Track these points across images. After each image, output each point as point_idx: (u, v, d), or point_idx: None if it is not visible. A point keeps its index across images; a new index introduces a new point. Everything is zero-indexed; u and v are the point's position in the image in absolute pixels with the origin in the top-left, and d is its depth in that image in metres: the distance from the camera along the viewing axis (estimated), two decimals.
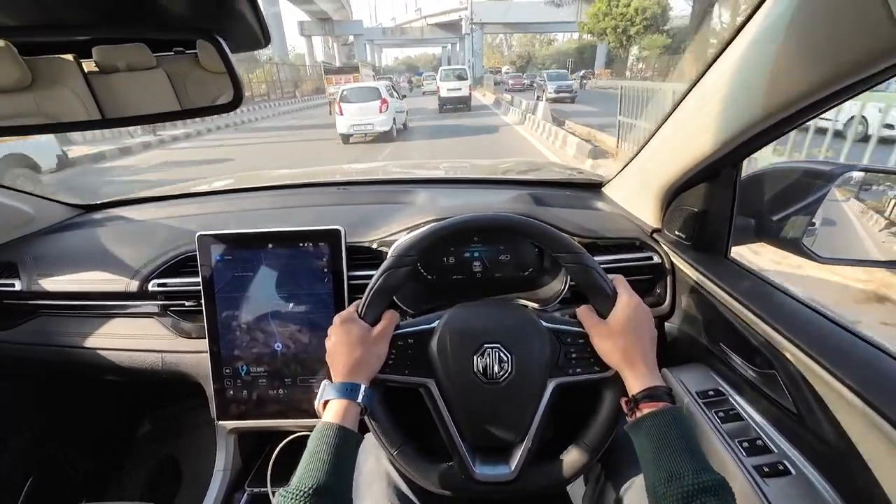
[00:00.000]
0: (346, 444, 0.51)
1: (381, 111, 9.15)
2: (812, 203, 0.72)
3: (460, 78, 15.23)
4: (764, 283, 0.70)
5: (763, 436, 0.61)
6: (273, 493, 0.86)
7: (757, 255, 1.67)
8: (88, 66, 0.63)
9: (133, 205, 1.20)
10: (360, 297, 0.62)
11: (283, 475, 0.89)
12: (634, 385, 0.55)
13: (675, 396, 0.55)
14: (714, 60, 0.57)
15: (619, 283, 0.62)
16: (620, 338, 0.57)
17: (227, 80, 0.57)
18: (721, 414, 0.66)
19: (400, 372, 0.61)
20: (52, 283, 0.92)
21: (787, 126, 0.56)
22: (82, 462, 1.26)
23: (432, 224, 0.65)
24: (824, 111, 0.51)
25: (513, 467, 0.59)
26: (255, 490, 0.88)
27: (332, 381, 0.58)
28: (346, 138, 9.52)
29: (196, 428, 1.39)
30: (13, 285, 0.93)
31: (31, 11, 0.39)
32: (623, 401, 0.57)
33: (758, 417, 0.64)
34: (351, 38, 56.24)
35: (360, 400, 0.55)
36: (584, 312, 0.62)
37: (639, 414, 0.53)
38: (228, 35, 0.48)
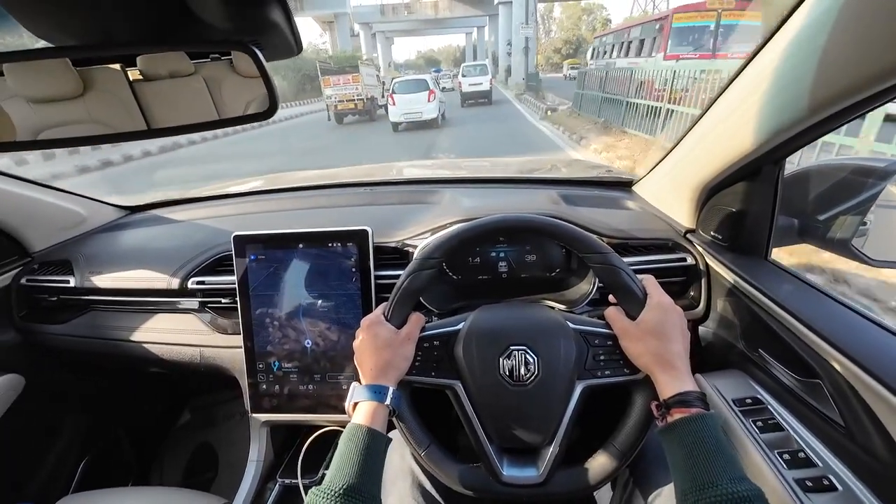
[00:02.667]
0: (375, 446, 0.53)
1: (429, 100, 10.35)
2: (863, 202, 0.67)
3: (482, 72, 16.30)
4: (808, 287, 0.66)
5: (806, 448, 0.58)
6: (303, 485, 0.89)
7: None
8: (133, 74, 0.67)
9: (174, 206, 1.26)
10: (387, 297, 0.63)
11: (312, 468, 0.93)
12: (666, 389, 0.53)
13: (710, 402, 0.53)
14: (757, 53, 0.55)
15: (650, 283, 0.60)
16: (651, 340, 0.55)
17: (259, 85, 0.59)
18: (759, 423, 0.63)
19: (426, 374, 0.62)
20: (102, 280, 0.99)
21: (835, 122, 0.53)
22: (129, 447, 1.34)
23: (457, 226, 0.65)
24: (874, 108, 0.48)
25: (540, 470, 0.58)
26: (287, 481, 0.92)
27: (360, 382, 0.60)
28: (395, 126, 10.67)
29: (230, 418, 1.46)
30: (68, 282, 1.00)
31: (83, 32, 0.42)
32: (654, 405, 0.55)
33: (800, 428, 0.61)
34: (357, 27, 44.62)
35: (388, 402, 0.56)
36: (612, 313, 0.61)
37: (670, 419, 0.52)
38: (264, 45, 0.49)
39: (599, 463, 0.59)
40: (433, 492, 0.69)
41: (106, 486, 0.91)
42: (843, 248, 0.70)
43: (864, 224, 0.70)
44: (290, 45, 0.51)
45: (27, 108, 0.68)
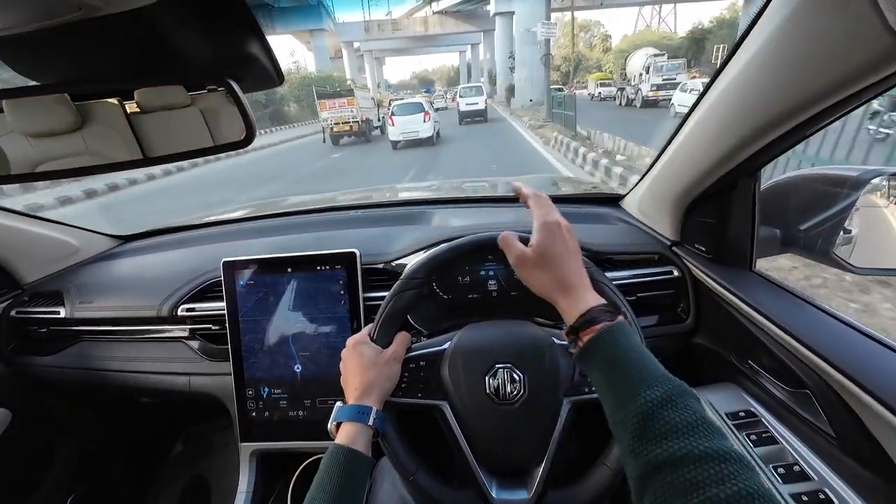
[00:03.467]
0: (356, 468, 0.52)
1: (424, 121, 11.58)
2: (840, 211, 0.68)
3: (478, 93, 17.73)
4: (792, 297, 0.66)
5: (801, 461, 0.57)
6: None
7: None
8: (131, 107, 0.69)
9: (166, 234, 1.27)
10: (370, 325, 0.64)
11: (302, 497, 0.90)
12: (570, 313, 0.49)
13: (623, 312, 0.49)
14: (724, 67, 0.57)
15: (535, 200, 0.55)
16: (547, 265, 0.51)
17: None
18: (753, 437, 0.63)
19: (413, 395, 0.61)
20: (92, 310, 0.99)
21: (798, 135, 0.54)
22: (121, 479, 1.31)
23: (441, 245, 0.66)
24: (833, 120, 0.50)
25: (531, 492, 0.57)
26: None
27: (345, 403, 0.59)
28: (395, 144, 11.80)
29: (224, 447, 1.42)
30: (58, 312, 1.00)
31: (67, 71, 0.44)
32: (564, 332, 0.51)
33: (794, 441, 0.60)
34: (341, 47, 42.75)
35: (371, 422, 0.55)
36: (507, 239, 0.55)
37: (581, 344, 0.47)
38: (244, 78, 0.51)
39: (592, 482, 0.58)
40: None
41: None
42: (825, 256, 0.70)
43: (849, 232, 0.71)
44: (272, 77, 0.53)
45: (25, 143, 0.70)
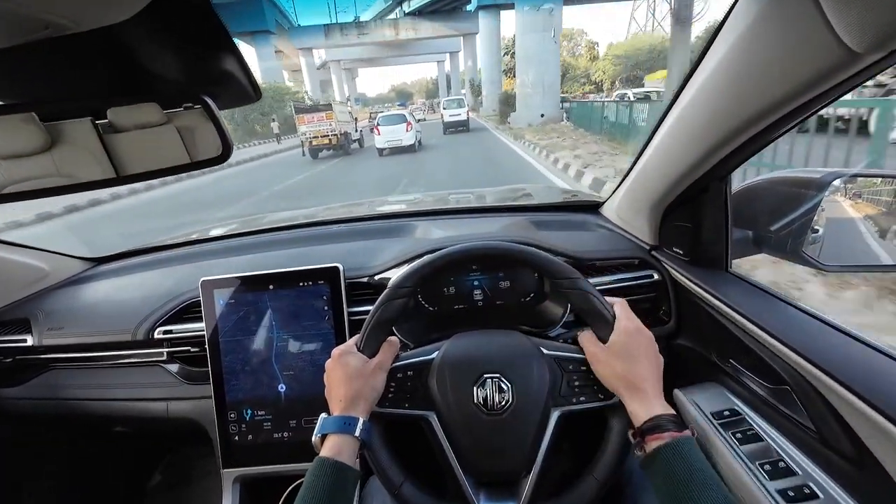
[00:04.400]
0: (342, 481, 0.50)
1: (406, 131, 12.81)
2: (807, 211, 0.71)
3: (460, 105, 18.99)
4: (767, 295, 0.69)
5: (785, 457, 0.58)
6: None
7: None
8: (103, 126, 0.67)
9: (141, 255, 1.23)
10: (357, 335, 0.63)
11: None
12: (638, 413, 0.53)
13: (686, 420, 0.53)
14: (689, 78, 0.59)
15: (620, 306, 0.61)
16: (619, 363, 0.55)
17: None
18: (739, 435, 0.63)
19: (399, 405, 0.60)
20: (62, 337, 0.94)
21: (764, 139, 0.57)
22: None
23: (428, 255, 0.66)
24: (794, 125, 0.52)
25: (520, 503, 0.57)
26: None
27: (329, 414, 0.58)
28: (380, 151, 12.98)
29: (206, 475, 1.37)
30: (25, 340, 0.95)
31: (38, 89, 0.43)
32: (630, 433, 0.54)
33: (777, 437, 0.61)
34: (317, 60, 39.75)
35: (357, 434, 0.54)
36: (584, 337, 0.61)
37: (647, 447, 0.51)
38: (220, 94, 0.51)
39: (580, 494, 0.57)
40: None
41: None
42: (796, 255, 0.73)
43: (816, 231, 0.74)
44: (248, 93, 0.53)
45: None
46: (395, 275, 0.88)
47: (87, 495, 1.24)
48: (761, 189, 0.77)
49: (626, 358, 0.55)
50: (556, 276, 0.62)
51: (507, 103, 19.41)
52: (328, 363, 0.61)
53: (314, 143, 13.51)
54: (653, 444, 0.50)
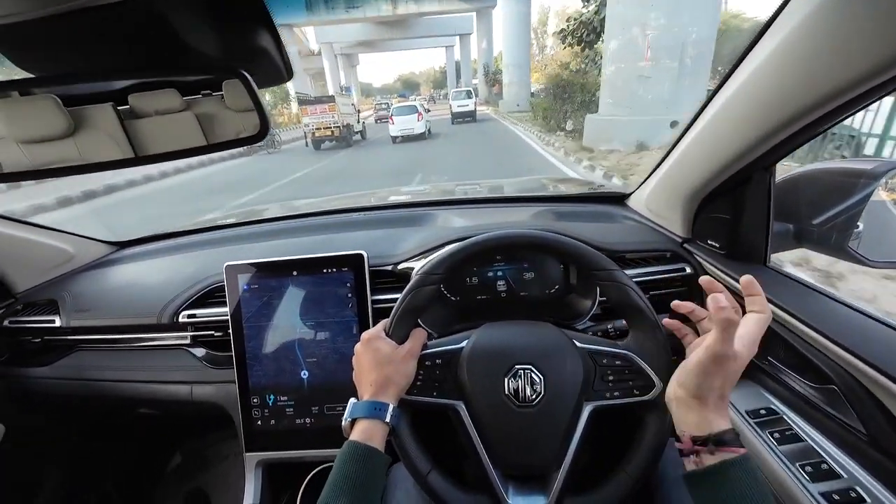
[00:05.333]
0: (373, 465, 0.50)
1: (418, 120, 14.08)
2: (856, 203, 0.68)
3: (468, 96, 19.68)
4: (810, 291, 0.66)
5: (828, 459, 0.56)
6: None
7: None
8: (124, 112, 0.67)
9: (163, 239, 1.24)
10: (385, 320, 0.62)
11: None
12: (699, 423, 0.46)
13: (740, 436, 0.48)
14: (742, 60, 0.56)
15: (722, 325, 0.50)
16: (699, 375, 0.47)
17: (251, 117, 0.60)
18: (777, 435, 0.61)
19: (428, 393, 0.59)
20: (88, 319, 0.96)
21: (820, 127, 0.54)
22: (117, 495, 1.26)
23: (460, 242, 0.64)
24: (856, 111, 0.49)
25: (548, 497, 0.55)
26: None
27: (358, 399, 0.57)
28: (394, 139, 14.13)
29: (224, 460, 1.39)
30: (53, 322, 0.96)
31: (71, 63, 0.42)
32: (685, 438, 0.48)
33: (819, 438, 0.59)
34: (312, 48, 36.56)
35: (387, 419, 0.53)
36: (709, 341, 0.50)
37: (696, 460, 0.45)
38: (254, 72, 0.50)
39: (611, 490, 0.56)
40: None
41: None
42: (840, 250, 0.70)
43: (857, 227, 0.71)
44: (281, 72, 0.52)
45: (16, 149, 0.68)
46: (418, 264, 0.87)
47: (109, 473, 1.27)
48: (806, 180, 0.73)
49: (707, 375, 0.47)
50: (594, 266, 0.60)
51: (562, 95, 11.40)
52: (357, 347, 0.60)
53: (317, 134, 13.76)
54: (707, 460, 0.44)
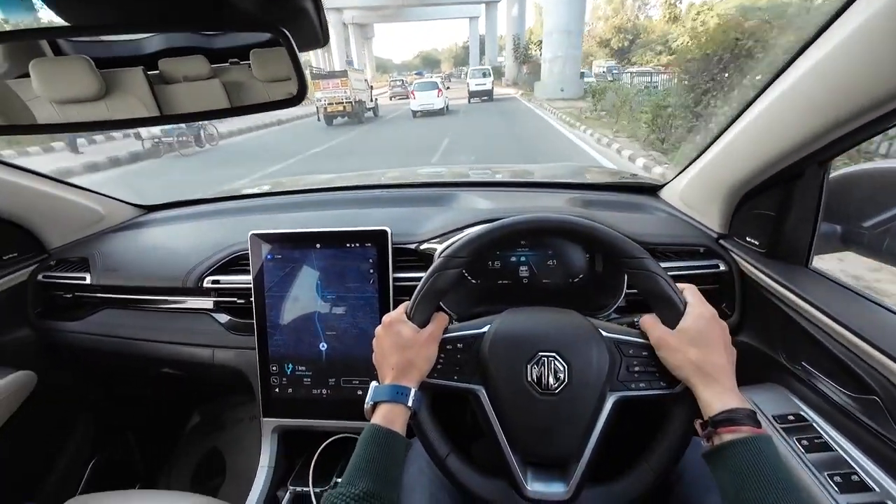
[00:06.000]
0: (396, 450, 0.50)
1: (438, 96, 14.98)
2: None
3: (485, 76, 19.85)
4: (856, 296, 0.62)
5: (859, 471, 0.54)
6: (315, 493, 0.86)
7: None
8: (154, 77, 0.68)
9: (190, 206, 1.26)
10: (405, 300, 0.61)
11: (324, 475, 0.90)
12: (711, 404, 0.49)
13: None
14: (807, 47, 0.52)
15: (690, 292, 0.57)
16: (691, 349, 0.51)
17: (277, 88, 0.59)
18: (805, 442, 0.59)
19: (449, 377, 0.59)
20: (117, 278, 0.98)
21: (879, 126, 0.50)
22: (137, 449, 1.33)
23: (485, 225, 0.62)
24: None
25: (568, 486, 0.55)
26: (298, 489, 0.89)
27: (380, 383, 0.57)
28: (414, 113, 15.02)
29: (239, 423, 1.43)
30: (84, 279, 0.99)
31: (108, 10, 0.41)
32: (698, 423, 0.51)
33: (851, 449, 0.56)
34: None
35: (410, 403, 0.53)
36: (649, 322, 0.57)
37: (717, 440, 0.47)
38: (292, 33, 0.48)
39: (632, 482, 0.55)
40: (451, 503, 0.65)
41: (114, 488, 0.89)
42: (891, 255, 0.66)
43: None
44: (317, 35, 0.50)
45: (51, 109, 0.69)
46: (440, 245, 0.86)
47: (132, 427, 1.33)
48: (861, 178, 0.69)
49: (701, 344, 0.51)
50: (623, 254, 0.58)
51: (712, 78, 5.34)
52: (378, 330, 0.59)
53: (329, 109, 13.68)
54: (726, 436, 0.46)
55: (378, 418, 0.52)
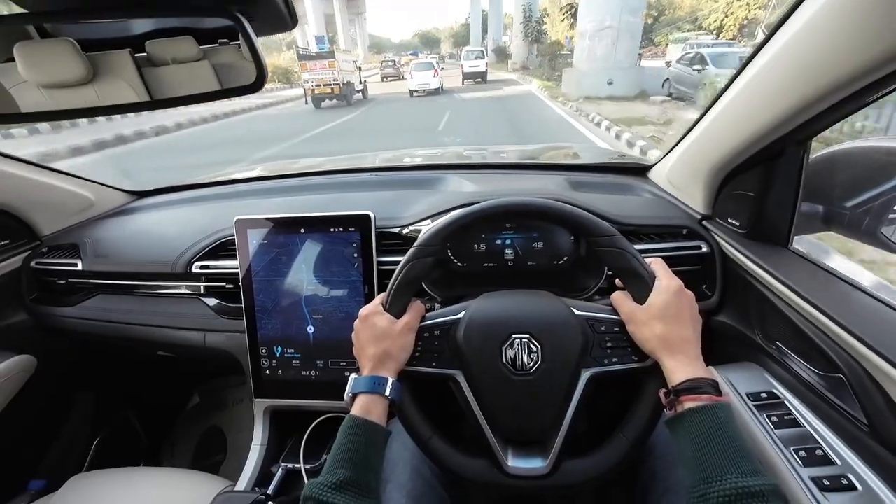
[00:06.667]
0: (373, 439, 0.51)
1: (434, 76, 15.99)
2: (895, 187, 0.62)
3: (478, 57, 19.84)
4: (832, 277, 0.62)
5: (824, 445, 0.55)
6: (305, 469, 0.90)
7: None
8: (141, 59, 0.67)
9: (179, 191, 1.26)
10: (382, 294, 0.62)
11: (314, 453, 0.93)
12: (675, 375, 0.50)
13: (722, 391, 0.50)
14: (783, 22, 0.51)
15: (658, 266, 0.58)
16: (658, 324, 0.53)
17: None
18: (774, 418, 0.61)
19: (427, 364, 0.60)
20: (108, 265, 1.00)
21: (869, 95, 0.49)
22: (140, 428, 1.37)
23: (455, 212, 0.63)
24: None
25: (547, 461, 0.57)
26: (289, 466, 0.92)
27: (359, 374, 0.58)
28: (411, 93, 16.00)
29: (239, 402, 1.48)
30: (76, 265, 1.01)
31: None
32: (661, 392, 0.53)
33: (818, 425, 0.58)
34: None
35: (387, 393, 0.55)
36: (618, 298, 0.58)
37: (679, 408, 0.49)
38: (255, 17, 0.47)
39: (608, 453, 0.57)
40: (433, 480, 0.68)
41: (117, 465, 0.92)
42: (871, 236, 0.65)
43: (894, 213, 0.66)
44: (285, 18, 0.49)
45: (38, 93, 0.68)
46: (425, 228, 0.86)
47: (132, 407, 1.37)
48: (843, 158, 0.68)
49: (668, 318, 0.52)
50: (592, 233, 0.59)
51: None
52: (356, 323, 0.60)
53: (317, 91, 13.47)
54: (687, 404, 0.48)
55: (356, 409, 0.54)
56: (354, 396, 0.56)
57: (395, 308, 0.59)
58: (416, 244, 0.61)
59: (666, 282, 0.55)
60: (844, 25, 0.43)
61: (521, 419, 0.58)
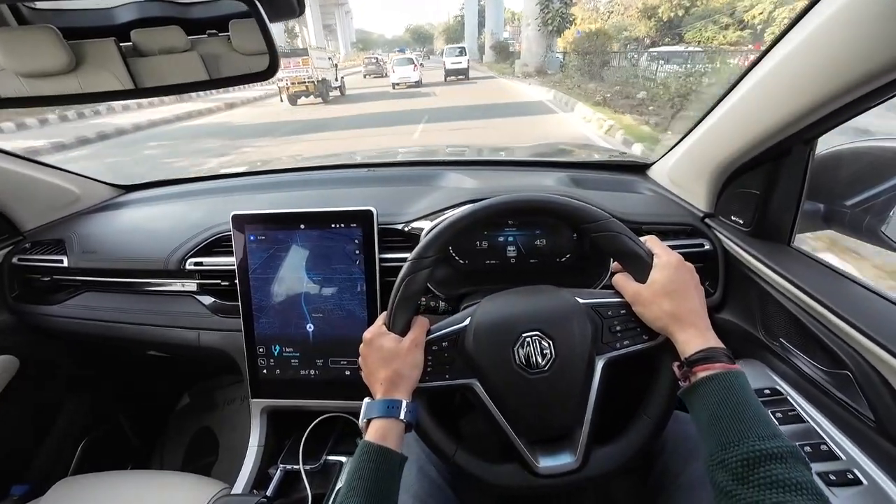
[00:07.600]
0: (388, 467, 0.50)
1: (414, 70, 17.57)
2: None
3: (460, 54, 20.07)
4: (835, 274, 0.63)
5: (829, 441, 0.56)
6: (305, 470, 0.88)
7: None
8: (127, 49, 0.64)
9: (170, 185, 1.22)
10: (391, 280, 0.60)
11: (313, 454, 0.91)
12: (687, 347, 0.50)
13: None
14: (794, 24, 0.51)
15: (653, 242, 0.57)
16: (665, 300, 0.52)
17: (257, 60, 0.56)
18: (778, 414, 0.61)
19: (440, 377, 0.58)
20: (96, 261, 0.96)
21: (878, 98, 0.49)
22: (129, 429, 1.33)
23: (447, 218, 0.60)
24: None
25: (577, 455, 0.56)
26: (288, 467, 0.90)
27: (372, 398, 0.56)
28: (394, 86, 17.36)
29: (231, 402, 1.44)
30: (61, 261, 0.97)
31: None
32: (675, 365, 0.52)
33: (823, 421, 0.58)
34: None
35: (402, 417, 0.53)
36: (620, 280, 0.57)
37: (693, 379, 0.48)
38: (263, 3, 0.45)
39: (634, 436, 0.57)
40: (440, 480, 0.67)
41: (105, 469, 0.89)
42: (872, 235, 0.67)
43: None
44: (292, 4, 0.47)
45: (18, 82, 0.65)
46: (427, 224, 0.85)
47: (121, 409, 1.32)
48: (847, 157, 0.69)
49: (674, 293, 0.52)
50: (583, 219, 0.58)
51: None
52: (362, 348, 0.58)
53: (291, 89, 13.31)
54: (701, 374, 0.47)
55: (371, 434, 0.52)
56: (369, 422, 0.53)
57: (399, 326, 0.57)
58: (411, 257, 0.59)
59: (665, 258, 0.54)
60: (859, 29, 0.43)
61: (544, 417, 0.57)
